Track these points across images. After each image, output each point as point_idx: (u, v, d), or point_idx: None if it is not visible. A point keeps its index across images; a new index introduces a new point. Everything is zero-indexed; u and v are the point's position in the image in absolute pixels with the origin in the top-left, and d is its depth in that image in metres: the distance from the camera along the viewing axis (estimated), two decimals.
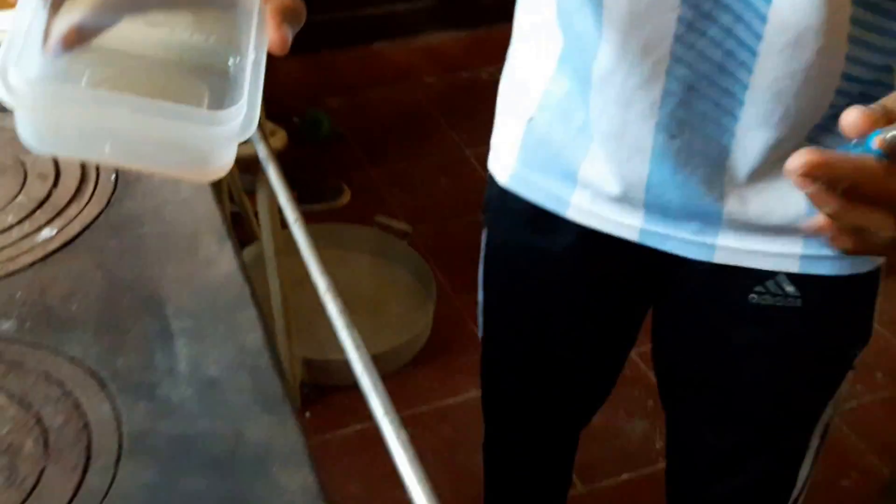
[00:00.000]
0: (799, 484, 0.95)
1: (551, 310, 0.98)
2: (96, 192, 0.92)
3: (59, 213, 0.89)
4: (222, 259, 0.88)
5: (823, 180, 0.44)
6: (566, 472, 1.27)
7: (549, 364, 1.04)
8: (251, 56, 0.53)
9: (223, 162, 0.51)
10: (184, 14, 0.56)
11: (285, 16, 0.55)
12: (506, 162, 0.92)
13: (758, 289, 0.82)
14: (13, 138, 0.98)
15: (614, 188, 0.82)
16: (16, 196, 0.90)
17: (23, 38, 0.48)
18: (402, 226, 2.29)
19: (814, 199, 0.45)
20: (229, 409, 0.74)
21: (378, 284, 2.17)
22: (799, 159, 0.44)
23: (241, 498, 0.67)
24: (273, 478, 0.69)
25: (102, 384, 0.73)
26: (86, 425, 0.70)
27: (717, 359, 0.90)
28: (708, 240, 0.82)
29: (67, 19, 0.52)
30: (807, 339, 0.85)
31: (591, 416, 1.17)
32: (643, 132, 0.76)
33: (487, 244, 1.02)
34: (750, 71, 0.70)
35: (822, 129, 0.75)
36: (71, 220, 0.89)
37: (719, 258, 0.82)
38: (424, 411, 1.83)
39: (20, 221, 0.87)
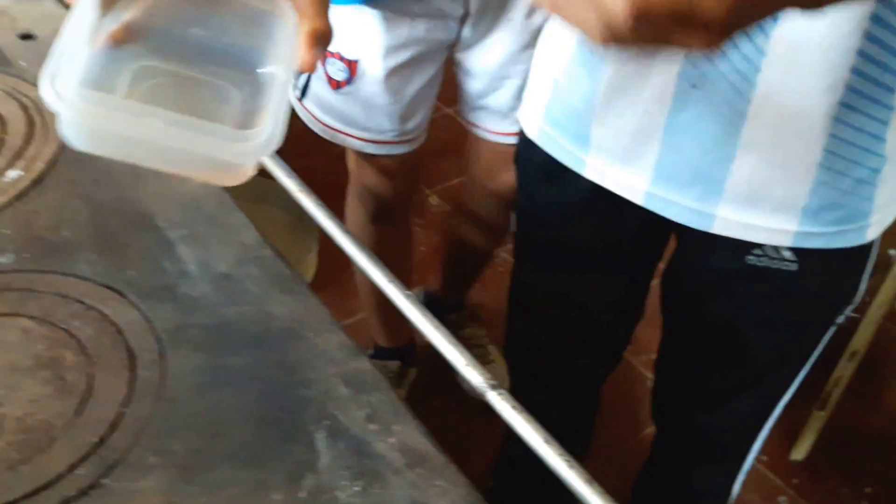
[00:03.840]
0: (773, 416, 1.05)
1: (569, 255, 1.02)
2: (49, 132, 0.92)
3: (18, 156, 0.88)
4: None
5: None
6: (588, 425, 1.33)
7: (569, 311, 1.08)
8: (282, 75, 0.57)
9: (248, 170, 0.56)
10: (227, 18, 0.58)
11: (317, 39, 0.58)
12: (533, 117, 0.95)
13: (756, 251, 0.85)
14: None
15: (626, 148, 0.85)
16: None
17: (72, 42, 0.52)
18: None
19: None
20: (250, 296, 0.77)
21: (263, 227, 2.13)
22: None
23: (288, 362, 0.71)
24: (311, 343, 0.73)
25: (121, 294, 0.75)
26: (119, 331, 0.72)
27: (715, 307, 0.94)
28: (708, 209, 0.84)
29: (118, 16, 0.54)
30: (799, 298, 0.89)
31: (612, 369, 1.22)
32: (665, 81, 0.78)
33: (518, 190, 1.06)
34: (767, 36, 0.72)
35: (844, 107, 0.75)
36: (34, 160, 0.88)
37: (717, 228, 0.84)
38: None
39: None
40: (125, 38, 0.56)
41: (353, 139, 1.35)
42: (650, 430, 1.79)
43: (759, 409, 1.04)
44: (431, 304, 1.85)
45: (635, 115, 0.82)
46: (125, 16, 0.54)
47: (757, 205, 0.82)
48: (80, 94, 0.50)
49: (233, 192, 0.85)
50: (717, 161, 0.81)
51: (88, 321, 0.73)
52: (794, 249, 0.84)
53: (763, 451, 1.15)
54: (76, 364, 0.69)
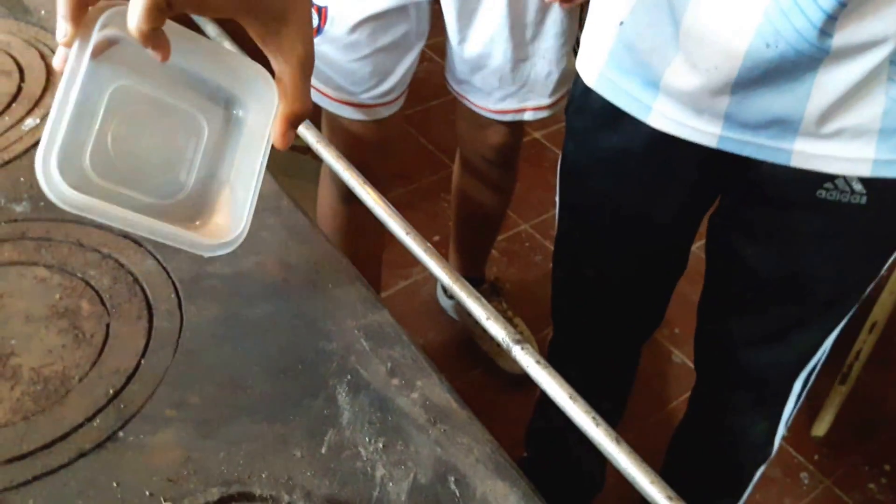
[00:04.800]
0: (820, 354, 1.03)
1: (625, 203, 1.00)
2: None
3: (36, 104, 0.86)
4: None
5: None
6: (626, 390, 1.31)
7: (617, 264, 1.07)
8: (256, 166, 0.61)
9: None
10: (208, 54, 0.60)
11: (295, 121, 0.59)
12: (593, 63, 0.92)
13: (827, 185, 0.84)
14: None
15: (697, 95, 0.83)
16: None
17: (61, 117, 0.55)
18: (301, 142, 2.28)
19: None
20: (267, 246, 0.75)
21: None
22: None
23: (308, 314, 0.70)
24: (330, 294, 0.72)
25: (138, 244, 0.74)
26: (136, 280, 0.71)
27: (778, 244, 0.93)
28: (785, 145, 0.83)
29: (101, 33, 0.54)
30: (865, 232, 0.89)
31: (655, 327, 1.21)
32: (739, 38, 0.75)
33: (566, 140, 1.03)
34: (843, 4, 0.70)
35: None
36: (50, 109, 0.86)
37: (795, 162, 0.83)
38: None
39: None
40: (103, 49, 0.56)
41: (326, 98, 1.31)
42: (675, 403, 1.78)
43: (807, 347, 1.03)
44: None
45: (710, 64, 0.80)
46: (108, 31, 0.55)
47: (834, 136, 0.81)
48: (72, 197, 0.54)
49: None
50: (793, 101, 0.79)
51: (105, 270, 0.71)
52: (865, 182, 0.84)
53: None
54: (93, 314, 0.68)
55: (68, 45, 0.54)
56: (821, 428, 1.74)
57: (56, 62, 0.55)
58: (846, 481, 1.68)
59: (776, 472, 1.68)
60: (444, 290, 1.90)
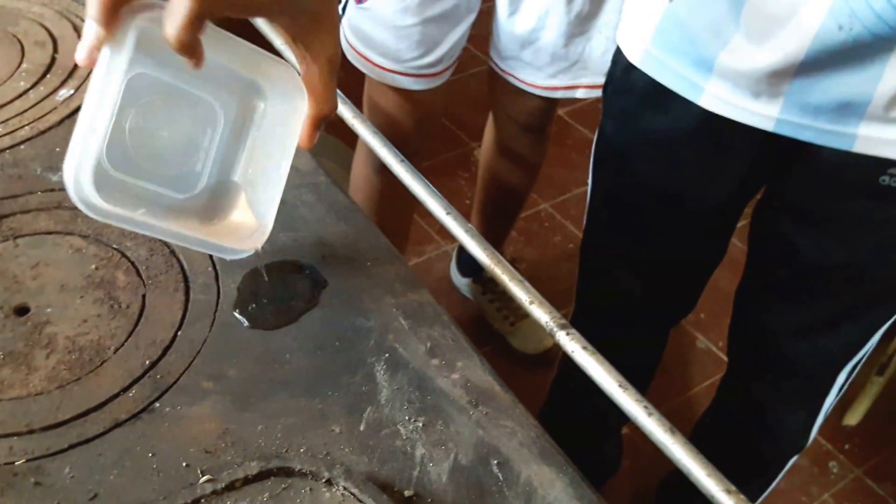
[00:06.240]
0: (868, 346, 1.00)
1: (667, 188, 0.96)
2: None
3: (70, 75, 0.85)
4: None
5: None
6: (648, 377, 1.28)
7: (655, 247, 1.03)
8: (282, 166, 0.61)
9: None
10: (228, 45, 0.58)
11: (321, 122, 0.59)
12: (637, 40, 0.89)
13: (891, 170, 0.81)
14: None
15: (757, 77, 0.80)
16: (20, 64, 0.86)
17: (89, 126, 0.54)
18: None
19: None
20: (306, 223, 0.74)
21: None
22: None
23: (345, 289, 0.68)
24: (369, 272, 0.70)
25: None
26: (172, 252, 0.69)
27: (834, 231, 0.90)
28: (849, 129, 0.80)
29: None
30: None
31: (687, 312, 1.17)
32: (810, 18, 0.73)
33: (604, 120, 1.00)
34: None
35: None
36: (84, 80, 0.85)
37: (858, 147, 0.80)
38: None
39: (34, 85, 0.83)
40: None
41: (371, 65, 1.28)
42: (698, 389, 1.75)
43: (857, 338, 0.99)
44: (468, 260, 1.81)
45: (774, 44, 0.77)
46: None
47: None
48: (103, 209, 0.55)
49: None
50: (861, 84, 0.76)
51: (141, 242, 0.70)
52: None
53: None
54: (129, 284, 0.66)
55: (97, 49, 0.51)
56: (853, 417, 1.70)
57: (79, 57, 0.51)
58: (878, 472, 1.65)
59: (803, 461, 1.65)
60: (458, 268, 1.88)
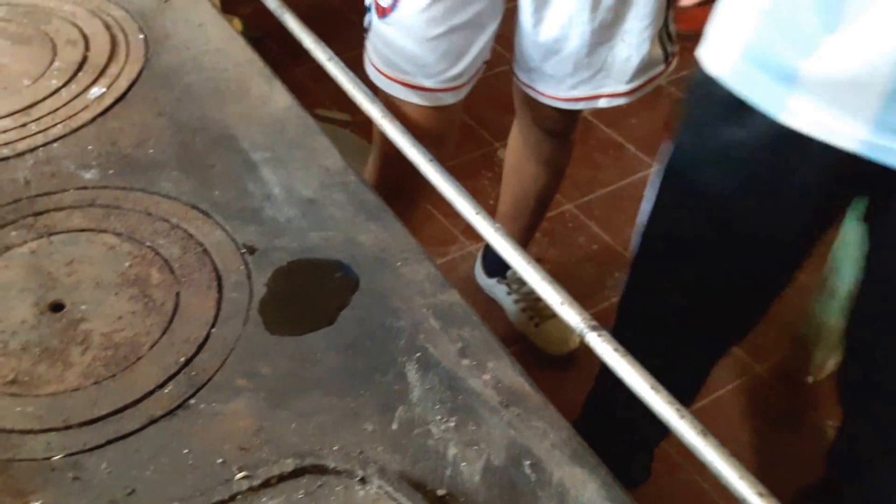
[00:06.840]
0: None
1: (738, 206, 0.91)
2: (131, 51, 0.90)
3: (101, 73, 0.86)
4: (276, 96, 0.87)
5: None
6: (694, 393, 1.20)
7: (717, 269, 0.97)
8: None
9: None
10: None
11: None
12: (721, 52, 0.85)
13: None
14: (29, 11, 0.95)
15: (845, 89, 0.75)
16: (52, 62, 0.87)
17: None
18: (342, 116, 2.29)
19: None
20: (336, 222, 0.74)
21: None
22: None
23: (375, 290, 0.69)
24: (399, 272, 0.70)
25: (206, 215, 0.73)
26: (205, 251, 0.70)
27: None
28: None
29: None
30: None
31: (737, 343, 1.10)
32: None
33: (682, 131, 0.95)
34: None
35: None
36: (116, 78, 0.86)
37: None
38: None
39: (66, 84, 0.84)
40: None
41: (386, 80, 1.27)
42: (721, 392, 1.73)
43: None
44: (491, 260, 1.81)
45: (865, 60, 0.73)
46: None
47: None
48: None
49: None
50: None
51: (174, 240, 0.70)
52: None
53: None
54: (162, 282, 0.67)
55: None
56: None
57: None
58: None
59: None
60: (484, 267, 1.88)
